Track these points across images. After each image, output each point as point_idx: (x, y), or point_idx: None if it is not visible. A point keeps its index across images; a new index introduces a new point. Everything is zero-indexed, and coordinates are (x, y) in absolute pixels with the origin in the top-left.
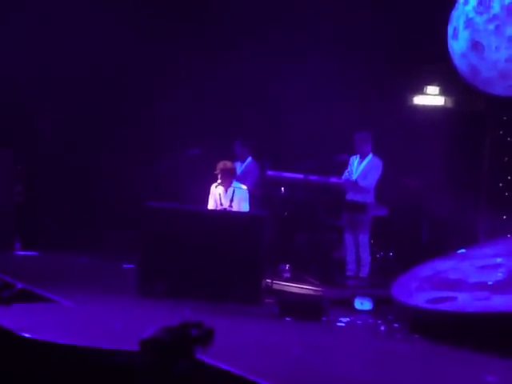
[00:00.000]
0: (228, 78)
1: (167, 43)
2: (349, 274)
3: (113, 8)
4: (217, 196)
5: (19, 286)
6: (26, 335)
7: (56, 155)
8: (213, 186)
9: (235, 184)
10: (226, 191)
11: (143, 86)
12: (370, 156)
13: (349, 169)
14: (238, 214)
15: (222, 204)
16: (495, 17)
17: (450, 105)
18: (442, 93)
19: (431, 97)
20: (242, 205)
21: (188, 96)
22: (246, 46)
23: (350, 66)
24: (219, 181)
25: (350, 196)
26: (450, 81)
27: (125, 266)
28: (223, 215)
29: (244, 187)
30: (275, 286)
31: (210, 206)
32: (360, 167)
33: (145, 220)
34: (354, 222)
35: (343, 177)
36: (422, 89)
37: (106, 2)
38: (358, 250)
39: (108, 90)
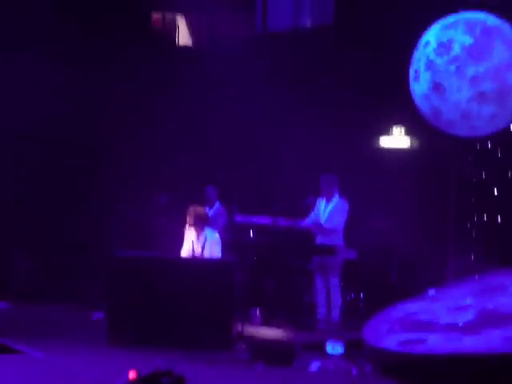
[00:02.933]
0: (193, 125)
1: (127, 94)
2: (319, 317)
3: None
4: (189, 242)
5: None
6: None
7: (20, 204)
8: (187, 230)
9: (207, 230)
10: (198, 238)
11: (108, 135)
12: (337, 198)
13: (315, 211)
14: (208, 260)
15: (194, 250)
16: (456, 58)
17: (415, 146)
18: (407, 134)
19: (397, 138)
20: (214, 250)
21: (153, 144)
22: (211, 95)
23: (316, 109)
24: (191, 227)
25: (318, 239)
26: (415, 122)
27: (94, 314)
28: (192, 262)
29: (216, 233)
30: (246, 331)
31: (185, 250)
32: (327, 210)
33: (113, 268)
34: (324, 265)
35: (310, 219)
36: (388, 130)
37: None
38: (328, 294)
39: (72, 138)
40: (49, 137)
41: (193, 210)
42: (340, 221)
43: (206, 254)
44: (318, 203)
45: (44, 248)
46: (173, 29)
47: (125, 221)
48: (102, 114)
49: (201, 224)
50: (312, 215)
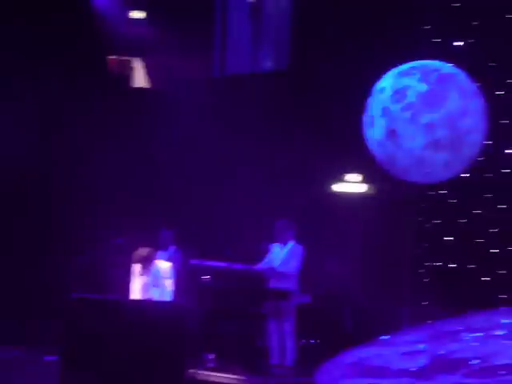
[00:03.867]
0: (150, 166)
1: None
2: (272, 362)
3: None
4: (139, 284)
5: None
6: None
7: None
8: (134, 273)
9: (156, 267)
10: (147, 278)
11: (64, 175)
12: (292, 243)
13: (270, 256)
14: (162, 303)
15: (144, 291)
16: (410, 105)
17: (371, 192)
18: (362, 180)
19: (352, 184)
20: (165, 287)
21: (110, 185)
22: (162, 136)
23: (272, 154)
24: (140, 269)
25: (272, 284)
26: (371, 168)
27: (46, 357)
28: (146, 305)
29: (166, 265)
30: (200, 376)
31: (134, 294)
32: (281, 254)
33: (68, 311)
34: (278, 309)
35: (264, 264)
36: (343, 176)
37: None
38: (282, 338)
39: (28, 177)
40: (2, 178)
41: (139, 252)
42: (295, 265)
43: (156, 297)
44: (273, 248)
45: None
46: (128, 71)
47: (81, 263)
48: (58, 156)
49: (148, 265)
50: (266, 259)
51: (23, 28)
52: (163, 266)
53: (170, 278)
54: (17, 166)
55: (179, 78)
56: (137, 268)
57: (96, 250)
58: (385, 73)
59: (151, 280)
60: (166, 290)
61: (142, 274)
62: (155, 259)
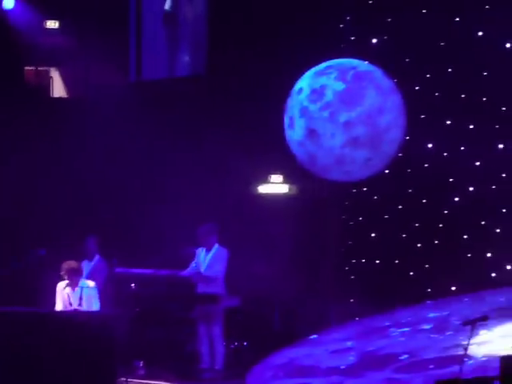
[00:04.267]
0: (72, 174)
1: None
2: (203, 366)
3: None
4: (65, 296)
5: None
6: None
7: None
8: (60, 286)
9: (82, 283)
10: (74, 290)
11: None
12: (216, 246)
13: (196, 261)
14: (88, 313)
15: (71, 304)
16: (328, 104)
17: (294, 192)
18: (285, 181)
19: (276, 185)
20: (91, 303)
21: (32, 195)
22: (88, 143)
23: (194, 158)
24: (66, 281)
25: (200, 288)
26: (293, 168)
27: None
28: (73, 316)
29: (92, 284)
30: None
31: (59, 306)
32: (207, 258)
33: None
34: (207, 314)
35: (190, 269)
36: (266, 177)
37: None
38: (211, 342)
39: None
40: None
41: (65, 265)
42: (220, 269)
43: (84, 308)
44: (198, 253)
45: None
46: (46, 81)
47: (2, 275)
48: None
49: (75, 277)
50: (192, 265)
51: None
52: (89, 284)
53: (95, 296)
54: None
55: (97, 85)
56: (62, 284)
57: (18, 261)
58: (304, 73)
59: (76, 299)
60: (92, 308)
61: (68, 286)
62: (81, 272)
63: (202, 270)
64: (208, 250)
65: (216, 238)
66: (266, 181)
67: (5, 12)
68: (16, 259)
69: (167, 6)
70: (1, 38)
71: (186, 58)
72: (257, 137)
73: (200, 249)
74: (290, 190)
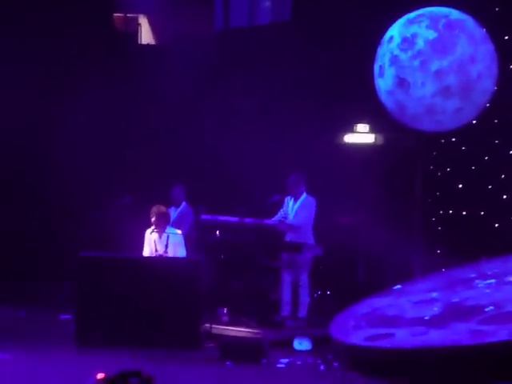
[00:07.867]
0: (157, 123)
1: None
2: (284, 314)
3: None
4: (152, 242)
5: None
6: None
7: None
8: (147, 232)
9: (169, 229)
10: (160, 237)
11: (69, 133)
12: (304, 196)
13: (283, 209)
14: (175, 259)
15: (157, 250)
16: (420, 53)
17: (380, 142)
18: (371, 130)
19: (361, 135)
20: (177, 250)
21: (118, 144)
22: (174, 93)
23: (279, 107)
24: (153, 227)
25: (288, 237)
26: (380, 118)
27: (62, 316)
28: (159, 262)
29: (178, 232)
30: (214, 330)
31: (146, 252)
32: (294, 207)
33: (80, 270)
34: (293, 262)
35: (277, 217)
36: (352, 127)
37: None
38: (295, 290)
39: (31, 137)
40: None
41: (155, 209)
42: (307, 217)
43: (170, 254)
44: (286, 202)
45: (4, 253)
46: (135, 28)
47: (87, 222)
48: (66, 114)
49: (163, 223)
50: (280, 213)
51: None
52: (175, 232)
53: (181, 244)
54: (24, 128)
55: (183, 33)
56: (149, 230)
57: (104, 208)
58: (394, 21)
59: (162, 246)
60: (177, 255)
61: (155, 232)
62: (169, 219)
63: (290, 218)
64: (296, 199)
65: (304, 187)
66: (351, 130)
67: None
68: (102, 207)
69: None
70: None
71: (268, 4)
72: (343, 85)
73: (288, 197)
74: (376, 139)
